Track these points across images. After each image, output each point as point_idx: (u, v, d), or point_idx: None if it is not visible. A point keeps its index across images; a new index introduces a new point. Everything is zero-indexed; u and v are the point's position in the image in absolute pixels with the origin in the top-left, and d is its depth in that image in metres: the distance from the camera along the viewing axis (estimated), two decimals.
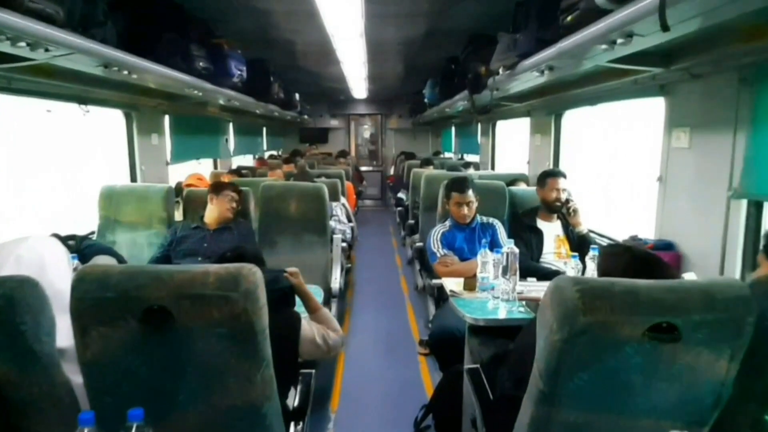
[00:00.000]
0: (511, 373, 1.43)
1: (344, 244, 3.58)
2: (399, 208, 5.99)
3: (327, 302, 2.75)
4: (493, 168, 5.53)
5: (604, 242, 2.82)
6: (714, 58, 1.81)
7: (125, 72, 2.30)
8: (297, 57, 5.07)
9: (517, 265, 1.94)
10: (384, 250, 6.02)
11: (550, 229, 2.76)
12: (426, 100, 5.90)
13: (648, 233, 2.42)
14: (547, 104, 3.56)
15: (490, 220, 2.80)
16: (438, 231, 2.75)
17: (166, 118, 3.91)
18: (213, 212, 2.74)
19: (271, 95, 5.11)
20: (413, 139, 9.79)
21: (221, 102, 4.09)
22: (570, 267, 2.00)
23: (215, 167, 5.35)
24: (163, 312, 1.04)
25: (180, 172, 4.30)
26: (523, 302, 1.94)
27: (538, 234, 2.73)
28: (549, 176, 2.78)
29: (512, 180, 3.62)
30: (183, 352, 1.07)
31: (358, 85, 7.00)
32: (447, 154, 8.38)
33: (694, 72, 1.94)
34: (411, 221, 4.70)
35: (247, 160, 6.72)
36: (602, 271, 1.29)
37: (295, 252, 2.95)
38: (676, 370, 1.03)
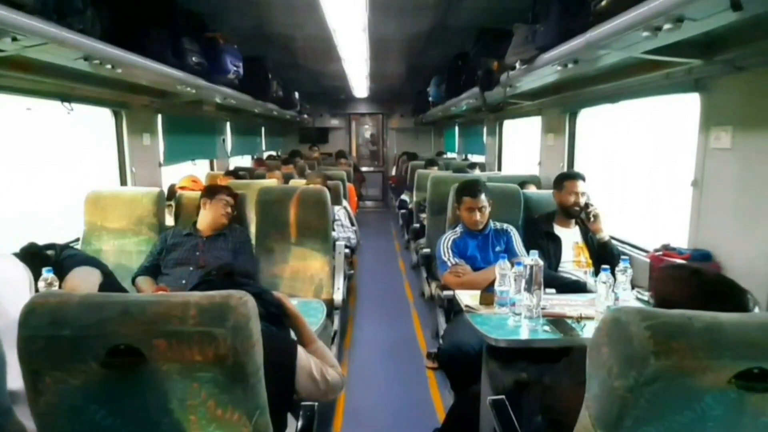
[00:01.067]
0: (544, 410, 1.25)
1: (347, 251, 3.38)
2: (402, 211, 5.78)
3: (329, 315, 2.56)
4: (499, 169, 5.33)
5: (627, 250, 2.62)
6: (763, 48, 1.62)
7: (109, 66, 2.11)
8: (296, 54, 4.90)
9: (542, 279, 1.75)
10: (386, 254, 5.83)
11: (569, 236, 2.58)
12: (430, 99, 5.72)
13: (678, 241, 2.23)
14: (562, 102, 3.36)
15: (504, 226, 2.61)
16: (448, 238, 2.55)
17: (159, 116, 3.70)
18: (206, 218, 2.56)
19: (269, 94, 4.94)
20: (415, 139, 9.63)
21: (217, 100, 3.90)
22: (601, 281, 1.79)
23: (212, 168, 5.15)
24: (131, 352, 0.85)
25: (176, 174, 4.10)
26: (548, 320, 1.75)
27: (556, 241, 2.55)
28: (566, 179, 2.60)
29: (522, 182, 3.43)
30: (156, 400, 0.88)
31: (360, 84, 6.84)
32: (450, 155, 8.19)
33: (739, 64, 1.74)
34: (416, 225, 4.50)
35: (245, 161, 6.55)
36: (661, 298, 1.08)
37: (294, 260, 2.75)
38: (762, 423, 0.84)
